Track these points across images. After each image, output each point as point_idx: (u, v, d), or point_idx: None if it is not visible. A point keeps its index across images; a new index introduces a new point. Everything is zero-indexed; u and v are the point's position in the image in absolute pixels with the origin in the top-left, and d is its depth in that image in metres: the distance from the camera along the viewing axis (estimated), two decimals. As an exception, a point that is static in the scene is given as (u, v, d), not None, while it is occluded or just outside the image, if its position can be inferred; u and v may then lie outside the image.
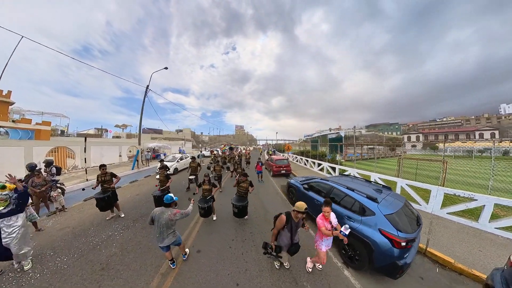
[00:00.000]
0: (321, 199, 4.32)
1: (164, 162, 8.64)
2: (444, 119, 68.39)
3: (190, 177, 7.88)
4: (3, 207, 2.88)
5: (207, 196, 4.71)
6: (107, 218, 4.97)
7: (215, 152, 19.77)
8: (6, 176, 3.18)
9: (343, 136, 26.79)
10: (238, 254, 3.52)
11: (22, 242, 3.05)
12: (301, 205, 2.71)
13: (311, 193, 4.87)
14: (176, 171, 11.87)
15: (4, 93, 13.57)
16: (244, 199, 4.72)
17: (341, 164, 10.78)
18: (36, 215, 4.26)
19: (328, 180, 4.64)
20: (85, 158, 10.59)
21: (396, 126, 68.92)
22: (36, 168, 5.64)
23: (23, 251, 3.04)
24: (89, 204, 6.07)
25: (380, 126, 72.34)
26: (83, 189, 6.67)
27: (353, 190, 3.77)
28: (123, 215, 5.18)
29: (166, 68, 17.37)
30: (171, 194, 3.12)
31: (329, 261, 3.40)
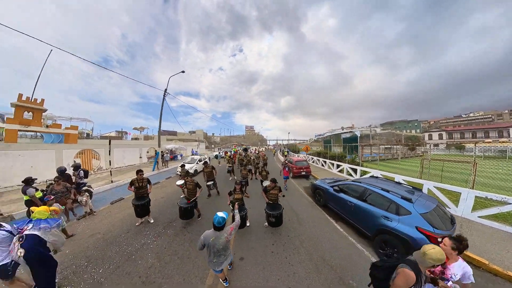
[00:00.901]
0: (355, 201, 4.61)
1: (185, 165, 8.61)
2: (471, 115, 59.61)
3: (208, 183, 7.29)
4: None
5: (240, 205, 4.33)
6: (136, 224, 4.93)
7: (228, 153, 20.47)
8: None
9: (358, 135, 26.09)
10: (282, 259, 3.58)
11: None
12: (438, 254, 1.69)
13: (342, 195, 5.13)
14: (196, 172, 12.50)
15: (38, 101, 15.33)
16: (279, 207, 4.60)
17: (361, 165, 10.87)
18: (63, 222, 4.02)
19: (360, 182, 4.92)
20: (109, 161, 11.60)
21: (415, 124, 63.35)
22: (65, 172, 5.96)
23: None
24: (116, 208, 6.31)
25: (397, 123, 67.67)
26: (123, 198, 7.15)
27: (388, 192, 4.05)
28: (152, 221, 5.13)
29: (183, 71, 18.07)
30: (222, 215, 2.64)
31: (367, 260, 3.60)
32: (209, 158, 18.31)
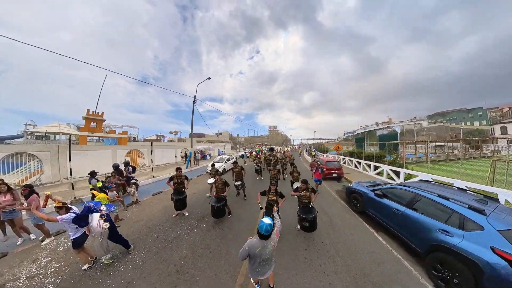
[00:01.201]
0: (402, 208, 3.98)
1: (215, 164, 8.78)
2: None
3: (236, 183, 7.13)
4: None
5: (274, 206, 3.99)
6: (173, 216, 5.33)
7: (253, 153, 20.78)
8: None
9: (398, 131, 22.82)
10: (316, 266, 3.36)
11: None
12: None
13: (386, 201, 4.52)
14: (224, 171, 12.96)
15: (99, 114, 20.73)
16: (313, 210, 4.25)
17: (405, 167, 9.45)
18: (117, 209, 4.98)
19: (409, 186, 4.25)
20: (151, 159, 13.21)
21: (479, 113, 45.96)
22: (118, 167, 7.06)
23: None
24: (157, 199, 7.11)
25: (452, 114, 50.29)
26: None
27: (447, 199, 3.35)
28: (187, 214, 5.49)
29: (209, 78, 19.05)
30: (269, 221, 2.37)
31: (417, 283, 3.05)
32: (236, 157, 18.93)
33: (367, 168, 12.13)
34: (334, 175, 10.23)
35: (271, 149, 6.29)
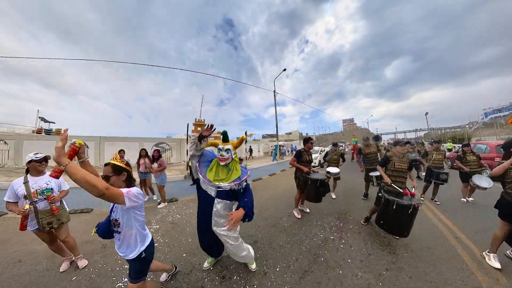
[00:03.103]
0: None
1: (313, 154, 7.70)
2: None
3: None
4: (227, 182, 1.83)
5: None
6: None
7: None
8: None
9: None
10: None
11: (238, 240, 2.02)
12: None
13: None
14: (320, 163, 11.30)
15: (202, 121, 27.54)
16: None
17: None
18: None
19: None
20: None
21: None
22: None
23: (243, 254, 1.97)
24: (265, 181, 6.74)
25: None
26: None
27: None
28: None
29: (284, 69, 18.59)
30: None
31: None
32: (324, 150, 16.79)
33: None
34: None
35: (335, 144, 4.56)
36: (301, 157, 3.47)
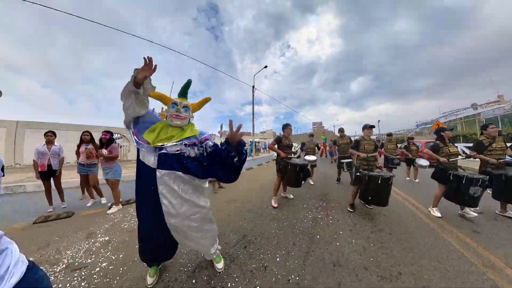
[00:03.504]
0: None
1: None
2: None
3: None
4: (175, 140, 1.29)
5: None
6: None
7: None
8: None
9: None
10: None
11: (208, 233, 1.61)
12: None
13: None
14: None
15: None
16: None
17: None
18: None
19: None
20: None
21: None
22: None
23: (212, 251, 1.64)
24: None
25: None
26: None
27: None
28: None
29: (266, 66, 18.81)
30: None
31: None
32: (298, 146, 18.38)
33: None
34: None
35: (311, 135, 5.22)
36: (281, 142, 3.47)
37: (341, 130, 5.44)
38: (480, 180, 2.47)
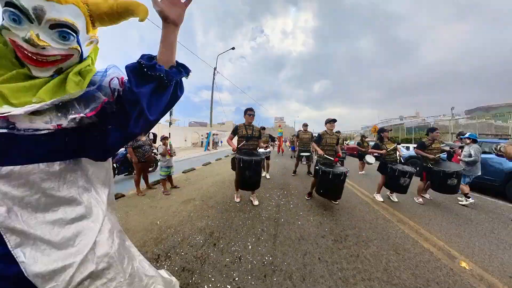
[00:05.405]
0: None
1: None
2: None
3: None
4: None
5: None
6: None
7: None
8: None
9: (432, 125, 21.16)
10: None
11: None
12: None
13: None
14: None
15: None
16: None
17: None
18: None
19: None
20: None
21: None
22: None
23: None
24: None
25: (498, 109, 45.36)
26: None
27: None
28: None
29: (233, 48, 17.89)
30: None
31: None
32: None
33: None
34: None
35: (263, 128, 5.56)
36: (237, 132, 3.02)
37: (305, 125, 5.78)
38: (408, 173, 3.09)
